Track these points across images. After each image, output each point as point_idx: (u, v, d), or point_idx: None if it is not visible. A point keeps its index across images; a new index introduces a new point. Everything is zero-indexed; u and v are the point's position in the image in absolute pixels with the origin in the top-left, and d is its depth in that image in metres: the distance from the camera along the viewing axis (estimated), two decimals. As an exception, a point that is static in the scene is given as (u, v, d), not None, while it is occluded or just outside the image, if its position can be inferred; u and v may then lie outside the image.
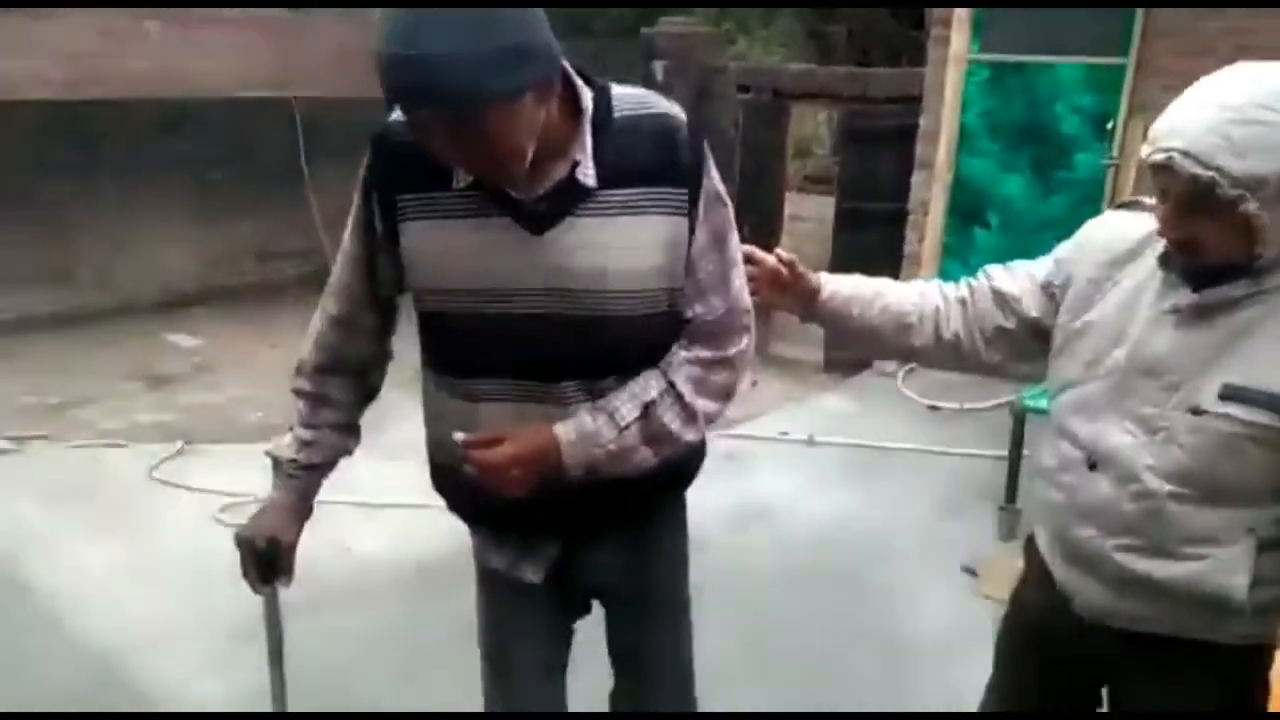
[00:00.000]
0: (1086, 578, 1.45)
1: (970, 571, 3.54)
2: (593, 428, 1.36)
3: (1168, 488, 1.33)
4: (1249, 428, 1.27)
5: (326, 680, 2.60)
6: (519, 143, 1.18)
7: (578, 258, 1.29)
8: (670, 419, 1.39)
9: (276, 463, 1.54)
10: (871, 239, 5.87)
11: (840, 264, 6.33)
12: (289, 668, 1.71)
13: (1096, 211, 4.99)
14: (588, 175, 1.27)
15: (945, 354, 1.62)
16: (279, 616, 1.65)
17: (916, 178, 5.61)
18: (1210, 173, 1.18)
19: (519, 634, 1.63)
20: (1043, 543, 1.56)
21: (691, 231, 1.33)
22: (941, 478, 4.33)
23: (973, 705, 1.83)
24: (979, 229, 5.51)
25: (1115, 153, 4.94)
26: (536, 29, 1.14)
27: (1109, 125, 4.93)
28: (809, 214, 9.74)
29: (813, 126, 13.75)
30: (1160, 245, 1.34)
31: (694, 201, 1.33)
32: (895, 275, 5.79)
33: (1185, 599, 1.36)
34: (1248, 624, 1.36)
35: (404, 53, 1.07)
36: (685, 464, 1.56)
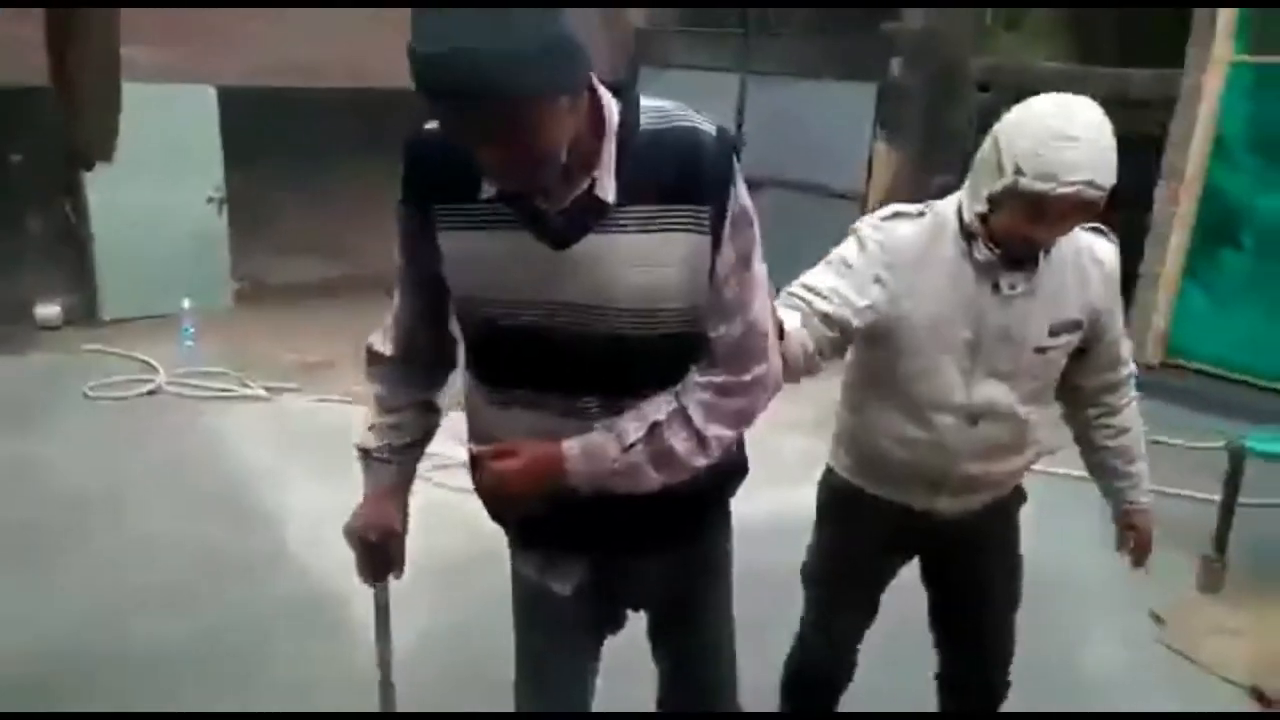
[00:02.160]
0: (965, 496, 1.89)
1: (1157, 618, 3.29)
2: (598, 445, 1.37)
3: (1027, 409, 1.81)
4: (1065, 347, 1.80)
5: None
6: (553, 144, 1.17)
7: (595, 274, 1.28)
8: (677, 443, 1.38)
9: (366, 455, 1.54)
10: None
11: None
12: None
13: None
14: (607, 190, 1.25)
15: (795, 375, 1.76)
16: (389, 607, 1.66)
17: (1161, 189, 5.16)
18: (1103, 192, 1.55)
19: (547, 638, 1.62)
20: (906, 492, 1.91)
21: (715, 250, 1.30)
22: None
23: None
24: (1229, 250, 4.99)
25: (1403, 170, 4.32)
26: (570, 30, 1.11)
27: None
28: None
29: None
30: (955, 243, 1.72)
31: (719, 219, 1.29)
32: (1129, 291, 5.39)
33: (1023, 467, 1.93)
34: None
35: (439, 50, 1.05)
36: (721, 484, 1.54)
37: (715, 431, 1.40)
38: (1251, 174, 4.84)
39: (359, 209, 7.73)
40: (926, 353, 1.76)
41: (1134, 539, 2.06)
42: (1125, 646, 3.14)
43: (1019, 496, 2.03)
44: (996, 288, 1.71)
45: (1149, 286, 5.29)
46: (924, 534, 1.96)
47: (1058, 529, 3.84)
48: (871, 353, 1.82)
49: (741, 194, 1.32)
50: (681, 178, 1.27)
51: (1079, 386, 1.92)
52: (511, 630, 1.67)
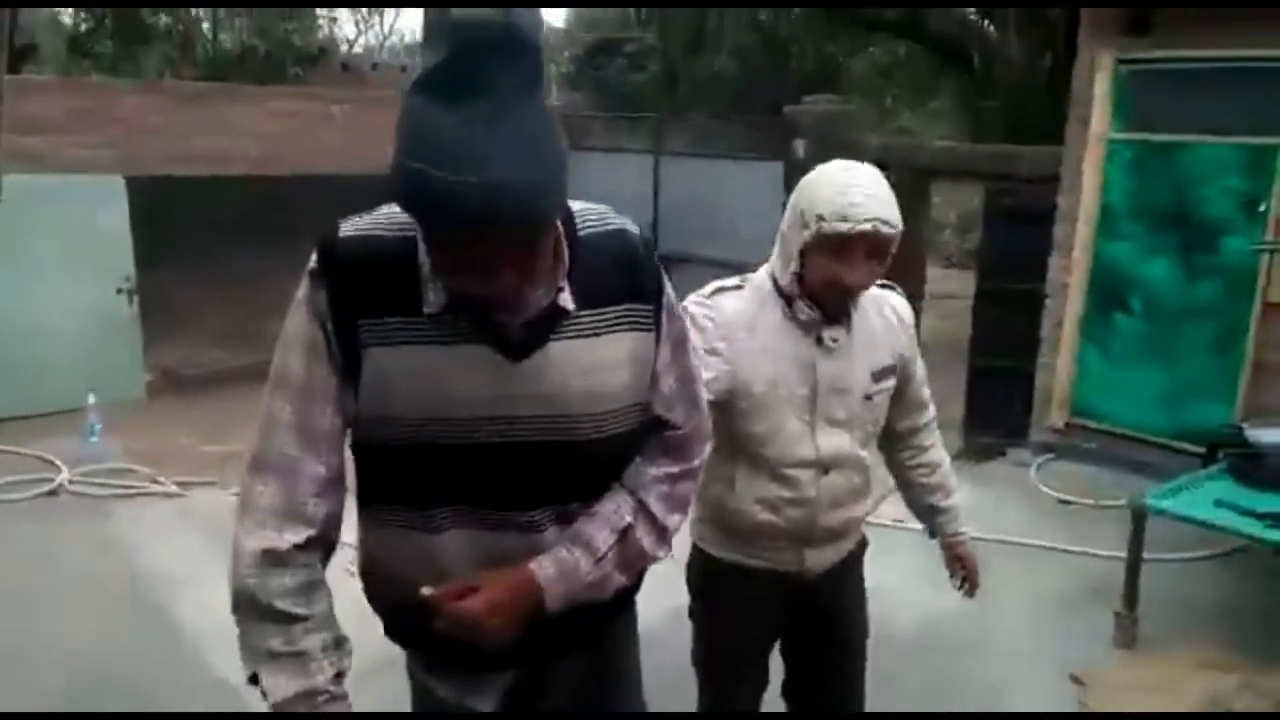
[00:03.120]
0: (828, 547, 2.01)
1: (1077, 681, 3.35)
2: (571, 562, 1.31)
3: (864, 453, 1.98)
4: (887, 390, 1.98)
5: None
6: (549, 261, 1.20)
7: (552, 382, 1.25)
8: (645, 541, 1.38)
9: (311, 698, 1.22)
10: (1014, 319, 5.69)
11: (980, 343, 6.18)
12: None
13: (1250, 298, 4.72)
14: (568, 299, 1.24)
15: None
16: None
17: (1054, 260, 5.43)
18: (895, 231, 1.76)
19: None
20: (778, 554, 1.99)
21: (657, 344, 1.33)
22: (1061, 577, 4.12)
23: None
24: (1120, 314, 5.25)
25: (1271, 236, 4.63)
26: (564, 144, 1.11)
27: (1261, 208, 4.64)
28: (966, 291, 9.52)
29: (978, 201, 13.43)
30: (777, 307, 1.88)
31: (659, 314, 1.33)
32: (1034, 358, 5.62)
33: (871, 510, 2.15)
34: None
35: (471, 179, 1.00)
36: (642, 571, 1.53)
37: (674, 521, 1.42)
38: (1135, 242, 5.13)
39: (268, 295, 7.67)
40: (772, 412, 1.89)
41: (963, 569, 2.23)
42: (1047, 707, 3.19)
43: (864, 543, 2.17)
44: (820, 341, 1.88)
45: (1050, 352, 5.52)
46: (797, 595, 2.04)
47: (979, 592, 3.93)
48: (726, 422, 1.90)
49: (669, 287, 1.37)
50: (623, 278, 1.30)
51: (892, 430, 2.10)
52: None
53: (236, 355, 7.35)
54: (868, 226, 1.73)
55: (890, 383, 1.98)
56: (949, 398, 5.45)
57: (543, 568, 1.30)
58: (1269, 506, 3.50)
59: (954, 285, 10.43)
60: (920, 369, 2.09)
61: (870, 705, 2.96)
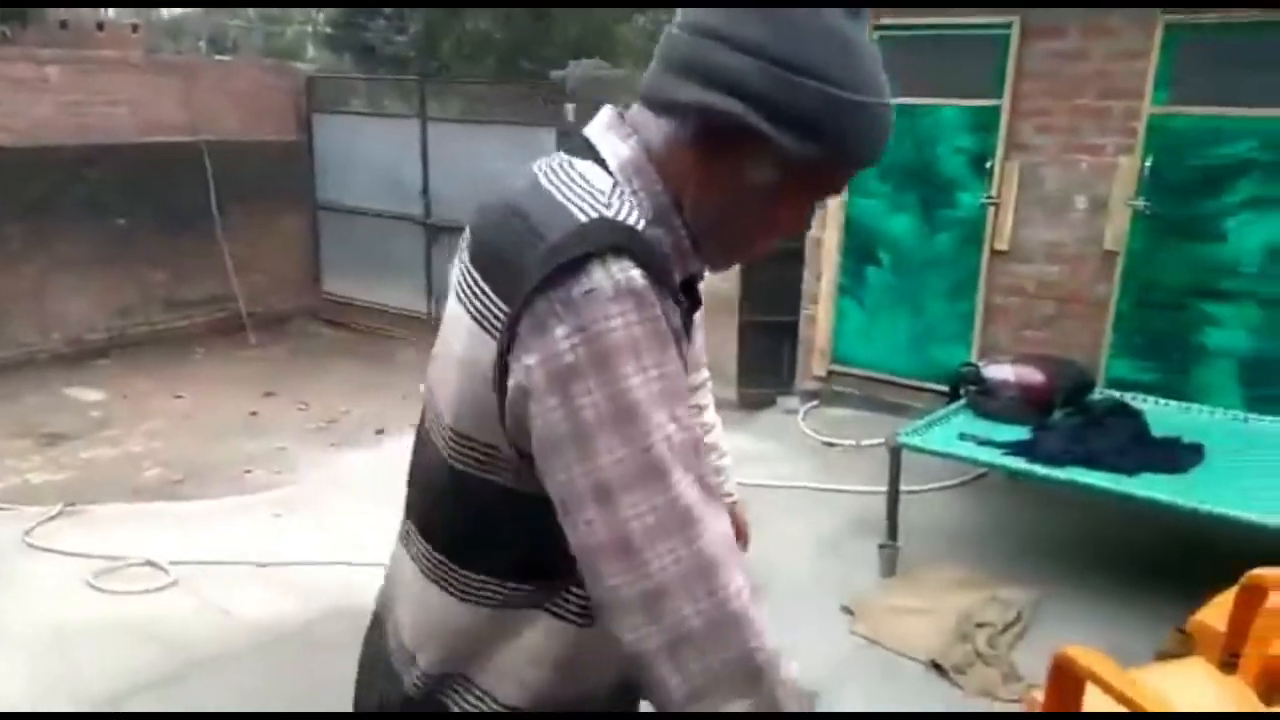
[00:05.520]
0: None
1: (848, 610, 3.60)
2: None
3: None
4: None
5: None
6: None
7: None
8: None
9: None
10: (779, 276, 5.97)
11: (749, 300, 6.44)
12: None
13: (979, 248, 5.14)
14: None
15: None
16: None
17: (812, 218, 5.72)
18: None
19: None
20: None
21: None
22: (831, 514, 4.40)
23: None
24: (871, 267, 5.63)
25: (994, 192, 5.10)
26: None
27: (987, 165, 5.10)
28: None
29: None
30: None
31: None
32: (798, 312, 5.94)
33: None
34: None
35: (890, 102, 0.97)
36: None
37: None
38: (883, 199, 5.50)
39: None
40: None
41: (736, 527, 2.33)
42: (823, 642, 3.38)
43: None
44: None
45: (811, 305, 5.85)
46: None
47: (754, 536, 4.12)
48: None
49: None
50: None
51: None
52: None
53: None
54: None
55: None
56: (723, 352, 5.67)
57: None
58: (1005, 436, 3.89)
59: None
60: (699, 331, 2.12)
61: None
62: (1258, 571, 2.46)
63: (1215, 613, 2.61)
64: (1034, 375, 4.17)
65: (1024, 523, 4.29)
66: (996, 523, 4.33)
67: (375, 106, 9.17)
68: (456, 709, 1.04)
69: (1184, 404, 4.37)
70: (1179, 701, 2.14)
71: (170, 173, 7.59)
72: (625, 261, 0.86)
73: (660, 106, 0.98)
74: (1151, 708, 1.96)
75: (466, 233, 1.03)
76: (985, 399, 4.17)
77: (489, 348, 0.91)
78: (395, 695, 1.09)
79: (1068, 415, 4.09)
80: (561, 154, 1.01)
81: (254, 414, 6.07)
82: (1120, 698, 2.00)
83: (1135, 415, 4.00)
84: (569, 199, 0.92)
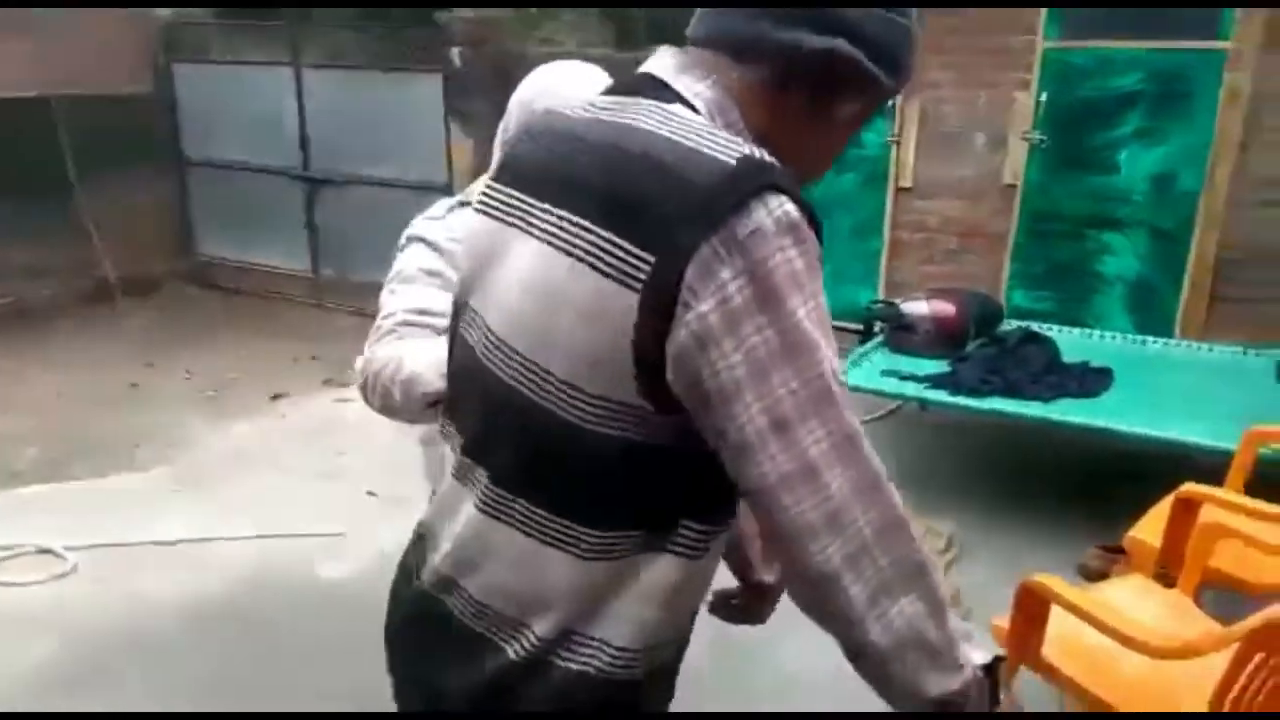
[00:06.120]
0: None
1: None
2: None
3: None
4: None
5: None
6: None
7: None
8: None
9: None
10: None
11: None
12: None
13: (884, 186, 5.19)
14: None
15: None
16: None
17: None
18: None
19: None
20: None
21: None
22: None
23: None
24: (779, 208, 5.63)
25: (896, 130, 5.15)
26: None
27: (890, 103, 5.13)
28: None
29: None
30: None
31: None
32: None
33: None
34: None
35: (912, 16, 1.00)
36: None
37: None
38: (786, 140, 5.48)
39: None
40: None
41: None
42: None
43: None
44: None
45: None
46: None
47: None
48: None
49: None
50: None
51: None
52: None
53: None
54: None
55: None
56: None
57: None
58: (925, 370, 3.97)
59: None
60: None
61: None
62: (1189, 486, 2.58)
63: (1149, 528, 2.73)
64: (947, 309, 4.26)
65: (940, 453, 4.40)
66: (916, 455, 4.43)
67: (241, 54, 8.58)
68: (571, 666, 1.02)
69: (1085, 330, 4.55)
70: (1140, 616, 2.21)
71: (18, 132, 6.94)
72: (782, 196, 0.87)
73: (737, 48, 0.98)
74: (1114, 624, 2.02)
75: (532, 178, 1.02)
76: (903, 334, 4.24)
77: (623, 299, 0.88)
78: (482, 672, 1.04)
79: (981, 346, 4.20)
80: (640, 99, 0.99)
81: (135, 386, 5.68)
82: (1085, 617, 2.06)
83: (1046, 342, 4.13)
84: (702, 143, 0.90)
